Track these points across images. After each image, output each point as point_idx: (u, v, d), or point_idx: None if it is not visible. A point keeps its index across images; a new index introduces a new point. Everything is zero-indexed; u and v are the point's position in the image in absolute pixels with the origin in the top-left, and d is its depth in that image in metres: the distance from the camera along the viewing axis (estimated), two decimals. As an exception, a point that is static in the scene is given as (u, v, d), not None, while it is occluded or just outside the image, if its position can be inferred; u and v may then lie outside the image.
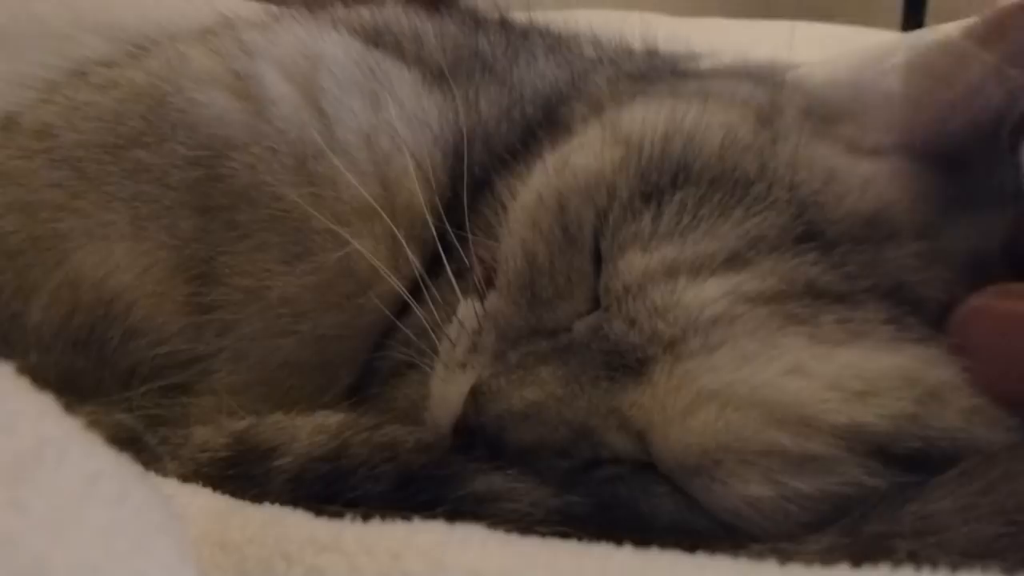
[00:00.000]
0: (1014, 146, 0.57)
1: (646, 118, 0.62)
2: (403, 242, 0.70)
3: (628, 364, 0.53)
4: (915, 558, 0.46)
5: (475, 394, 0.56)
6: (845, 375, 0.50)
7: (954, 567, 0.42)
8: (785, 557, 0.47)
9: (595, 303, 0.57)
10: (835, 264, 0.54)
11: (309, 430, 0.60)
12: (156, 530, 0.34)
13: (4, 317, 0.69)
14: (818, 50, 0.71)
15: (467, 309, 0.64)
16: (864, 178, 0.57)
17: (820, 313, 0.52)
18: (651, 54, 0.94)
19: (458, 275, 0.68)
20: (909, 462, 0.49)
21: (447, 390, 0.60)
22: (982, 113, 0.56)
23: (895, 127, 0.60)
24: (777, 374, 0.50)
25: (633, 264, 0.55)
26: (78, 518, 0.32)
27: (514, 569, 0.42)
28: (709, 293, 0.52)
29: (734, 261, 0.54)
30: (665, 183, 0.57)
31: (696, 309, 0.52)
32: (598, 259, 0.58)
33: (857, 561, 0.46)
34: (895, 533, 0.48)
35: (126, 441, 0.58)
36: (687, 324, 0.52)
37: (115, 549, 0.32)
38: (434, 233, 0.71)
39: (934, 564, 0.43)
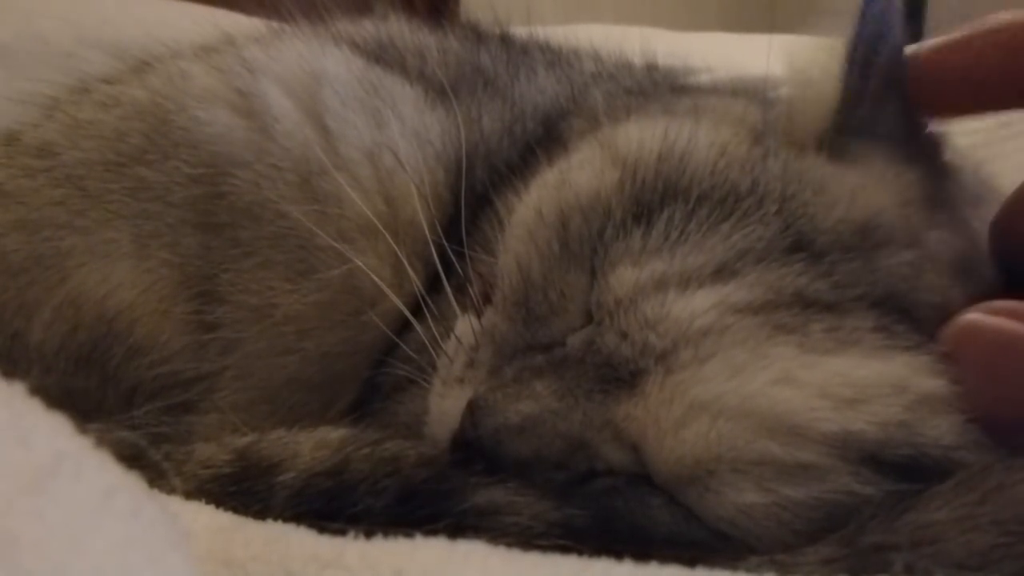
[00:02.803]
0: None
1: (642, 139, 0.62)
2: (405, 259, 0.70)
3: (621, 377, 0.54)
4: (911, 570, 0.46)
5: (472, 409, 0.57)
6: (834, 383, 0.50)
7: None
8: (784, 569, 0.48)
9: (589, 318, 0.58)
10: (824, 273, 0.54)
11: (311, 445, 0.60)
12: (169, 545, 0.35)
13: (6, 335, 0.69)
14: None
15: (464, 325, 0.65)
16: (853, 186, 0.57)
17: (809, 322, 0.52)
18: (651, 69, 0.94)
19: (458, 291, 0.69)
20: (902, 470, 0.50)
21: (444, 405, 0.61)
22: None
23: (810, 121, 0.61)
24: (766, 384, 0.50)
25: (624, 278, 0.55)
26: (96, 530, 0.32)
27: (515, 583, 0.43)
28: (698, 305, 0.53)
29: (722, 273, 0.54)
30: (655, 201, 0.58)
31: (686, 321, 0.53)
32: (593, 275, 0.58)
33: (855, 573, 0.47)
34: (892, 544, 0.48)
35: (130, 458, 0.58)
36: (677, 336, 0.52)
37: (131, 562, 0.32)
38: (434, 250, 0.71)
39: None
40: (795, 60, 0.64)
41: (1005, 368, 0.50)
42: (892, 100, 0.60)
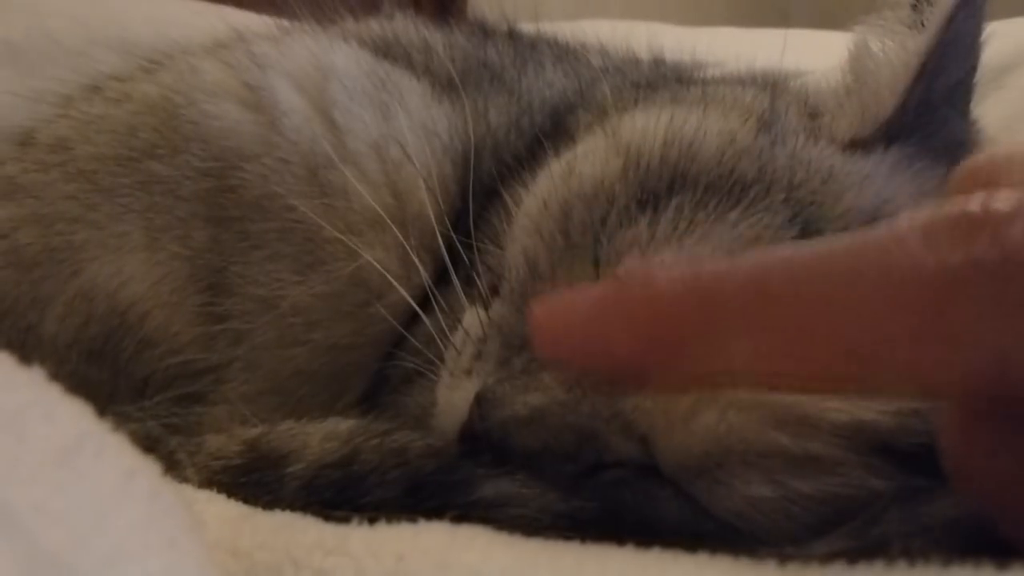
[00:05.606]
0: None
1: (647, 126, 0.62)
2: (412, 252, 0.71)
3: None
4: (908, 551, 0.46)
5: (480, 400, 0.57)
6: None
7: (946, 562, 0.42)
8: (789, 558, 0.48)
9: None
10: None
11: (320, 437, 0.60)
12: (185, 530, 0.35)
13: (20, 328, 0.69)
14: (827, 58, 0.72)
15: (472, 317, 0.65)
16: (863, 175, 0.57)
17: None
18: (657, 63, 0.94)
19: (466, 283, 0.69)
20: (916, 460, 0.49)
21: (452, 397, 0.61)
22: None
23: (856, 118, 0.61)
24: None
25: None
26: (117, 508, 0.32)
27: (516, 568, 0.42)
28: None
29: None
30: (662, 189, 0.57)
31: None
32: (598, 265, 0.58)
33: (854, 559, 0.47)
34: (901, 534, 0.48)
35: (145, 447, 0.59)
36: None
37: (150, 541, 0.32)
38: (441, 243, 0.72)
39: (927, 559, 0.44)
40: (859, 52, 0.63)
41: None
42: (952, 116, 0.59)
